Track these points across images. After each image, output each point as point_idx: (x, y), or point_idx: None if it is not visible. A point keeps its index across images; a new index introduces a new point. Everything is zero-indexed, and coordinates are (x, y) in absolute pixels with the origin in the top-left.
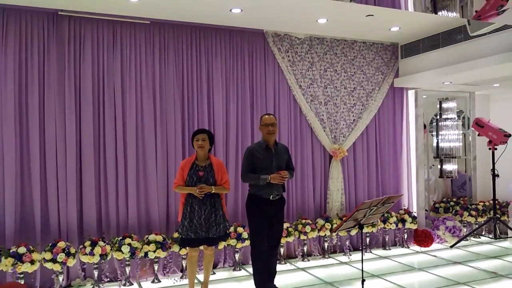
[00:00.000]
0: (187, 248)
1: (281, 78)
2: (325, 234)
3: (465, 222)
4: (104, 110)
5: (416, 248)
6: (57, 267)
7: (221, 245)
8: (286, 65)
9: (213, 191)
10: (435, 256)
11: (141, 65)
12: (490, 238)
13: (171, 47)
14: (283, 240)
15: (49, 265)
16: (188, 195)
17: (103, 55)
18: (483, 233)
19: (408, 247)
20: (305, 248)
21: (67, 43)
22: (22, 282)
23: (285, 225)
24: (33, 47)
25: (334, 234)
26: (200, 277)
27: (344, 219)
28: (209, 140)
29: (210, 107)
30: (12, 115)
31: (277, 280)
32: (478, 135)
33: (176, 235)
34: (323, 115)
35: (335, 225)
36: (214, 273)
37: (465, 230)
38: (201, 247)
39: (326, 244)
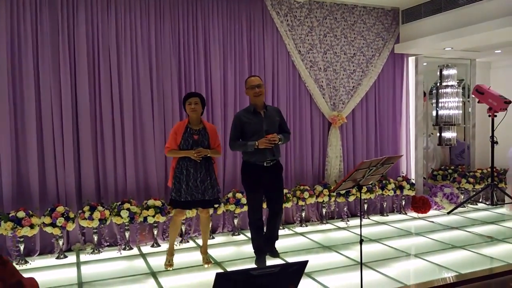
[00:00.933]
0: (174, 210)
1: (280, 43)
2: (323, 200)
3: (463, 189)
4: (100, 75)
5: (414, 214)
6: (56, 231)
7: (220, 210)
8: (284, 30)
9: (208, 154)
10: (432, 221)
11: (136, 30)
12: (487, 204)
13: (167, 11)
14: None
15: (48, 229)
16: (181, 159)
17: (97, 20)
18: (480, 200)
19: (406, 214)
20: (303, 214)
21: (60, 7)
22: (22, 246)
23: (284, 191)
24: (25, 11)
25: (332, 200)
26: (199, 241)
27: (343, 178)
28: (201, 103)
29: (208, 73)
30: (6, 81)
31: (276, 244)
32: (478, 102)
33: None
34: (322, 82)
35: (334, 195)
36: (213, 238)
37: (462, 197)
38: (196, 211)
39: (324, 210)
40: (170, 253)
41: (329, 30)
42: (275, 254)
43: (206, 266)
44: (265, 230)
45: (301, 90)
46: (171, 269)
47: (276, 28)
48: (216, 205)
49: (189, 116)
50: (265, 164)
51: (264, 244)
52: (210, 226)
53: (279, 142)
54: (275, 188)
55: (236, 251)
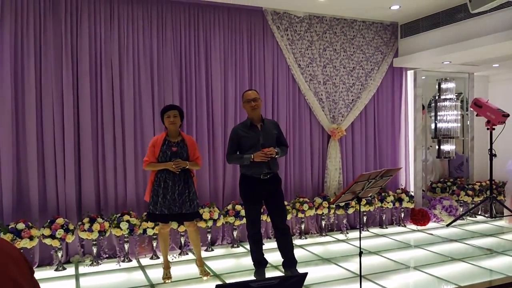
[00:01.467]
0: (159, 224)
1: (280, 57)
2: (323, 213)
3: (462, 201)
4: (102, 87)
5: (413, 227)
6: (56, 243)
7: (219, 222)
8: (285, 44)
9: (187, 166)
10: (431, 234)
11: (138, 42)
12: (486, 217)
13: (169, 24)
14: None
15: (48, 241)
16: (160, 172)
17: (100, 31)
18: (479, 213)
19: (405, 226)
20: (302, 226)
21: (63, 18)
22: None
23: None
24: (28, 22)
25: (331, 213)
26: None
27: (342, 191)
28: (179, 116)
29: (208, 86)
30: (9, 92)
31: (275, 256)
32: (477, 115)
33: None
34: (322, 95)
35: (333, 207)
36: (212, 250)
37: (461, 209)
38: (173, 226)
39: (323, 223)
40: (166, 266)
41: (328, 44)
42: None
43: (205, 278)
44: (281, 255)
45: (301, 103)
46: (169, 281)
47: (276, 42)
48: (197, 219)
49: (168, 129)
50: (261, 177)
51: (284, 270)
52: (209, 238)
53: (276, 156)
54: (274, 201)
55: (235, 263)
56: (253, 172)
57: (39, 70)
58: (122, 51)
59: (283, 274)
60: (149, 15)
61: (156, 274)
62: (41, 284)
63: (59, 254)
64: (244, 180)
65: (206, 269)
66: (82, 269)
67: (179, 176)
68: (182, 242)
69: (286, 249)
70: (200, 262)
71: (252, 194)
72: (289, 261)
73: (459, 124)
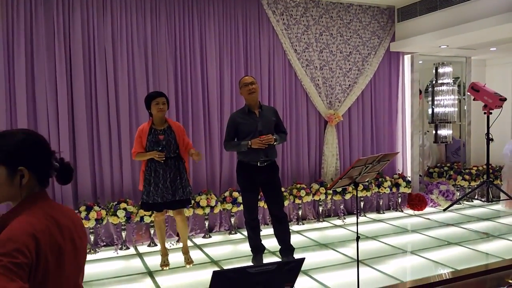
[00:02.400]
0: (154, 212)
1: (276, 42)
2: (320, 199)
3: (459, 186)
4: (96, 76)
5: (410, 211)
6: None
7: (217, 209)
8: (280, 29)
9: (194, 158)
10: (428, 219)
11: (132, 30)
12: (483, 201)
13: (163, 10)
14: None
15: None
16: (150, 161)
17: (93, 20)
18: (476, 197)
19: (402, 211)
20: (300, 212)
21: (55, 6)
22: None
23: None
24: (19, 11)
25: (328, 198)
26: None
27: (339, 176)
28: (167, 103)
29: (204, 72)
30: (2, 82)
31: (272, 242)
32: (474, 99)
33: None
34: (318, 80)
35: (330, 193)
36: (210, 237)
37: (458, 194)
38: (170, 213)
39: (320, 208)
40: (164, 253)
41: (325, 28)
42: None
43: (187, 266)
44: (278, 242)
45: (297, 88)
46: (167, 268)
47: (272, 27)
48: (188, 206)
49: (154, 116)
50: (258, 164)
51: (281, 257)
52: (207, 225)
53: (274, 143)
54: (271, 189)
55: (233, 249)
56: (250, 159)
57: (30, 60)
58: (115, 40)
59: (281, 260)
60: (143, 2)
61: (154, 261)
62: None
63: None
64: (241, 167)
65: (190, 257)
66: None
67: (170, 164)
68: None
69: (283, 237)
70: (185, 250)
71: (249, 181)
72: (286, 249)
73: (456, 109)
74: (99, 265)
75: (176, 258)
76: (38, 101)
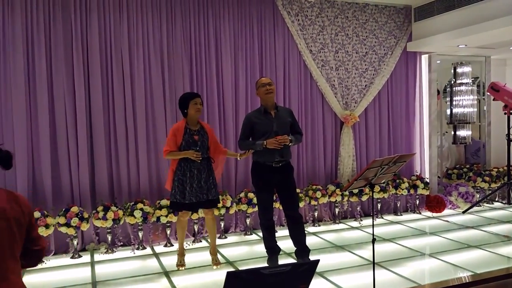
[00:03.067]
0: (178, 213)
1: (291, 42)
2: (336, 200)
3: (478, 188)
4: (113, 77)
5: (428, 213)
6: (71, 231)
7: (232, 210)
8: (296, 29)
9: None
10: (447, 221)
11: (148, 32)
12: (504, 203)
13: (178, 13)
14: None
15: (63, 229)
16: (183, 161)
17: (109, 22)
18: (496, 199)
19: (420, 213)
20: (315, 214)
21: (73, 11)
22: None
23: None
24: (38, 17)
25: (345, 200)
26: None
27: (354, 177)
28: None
29: (219, 73)
30: (22, 84)
31: (288, 243)
32: (493, 99)
33: None
34: (334, 81)
35: (347, 194)
36: (225, 237)
37: (478, 196)
38: (196, 213)
39: (337, 210)
40: (181, 253)
41: (340, 29)
42: None
43: (215, 267)
44: (293, 243)
45: (313, 89)
46: (183, 269)
47: (287, 27)
48: (218, 205)
49: (189, 116)
50: (273, 165)
51: (297, 259)
52: (222, 226)
53: (290, 144)
54: (285, 189)
55: (248, 250)
56: (265, 159)
57: (50, 62)
58: (132, 42)
59: (295, 262)
60: (158, 5)
61: (170, 261)
62: (57, 272)
63: (75, 242)
64: (256, 167)
65: (218, 258)
66: (97, 256)
67: (203, 164)
68: (196, 229)
69: (299, 238)
70: (214, 251)
71: (264, 181)
72: (302, 250)
73: (476, 109)
74: (116, 264)
75: (192, 258)
76: (56, 102)
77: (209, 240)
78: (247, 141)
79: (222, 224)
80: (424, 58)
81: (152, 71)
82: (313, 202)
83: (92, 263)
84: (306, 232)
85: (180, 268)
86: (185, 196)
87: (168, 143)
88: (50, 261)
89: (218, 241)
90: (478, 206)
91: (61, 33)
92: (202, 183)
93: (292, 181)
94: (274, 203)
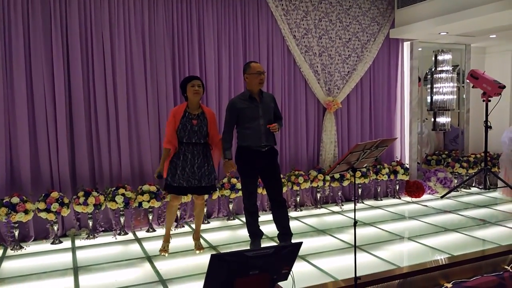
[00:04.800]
0: (170, 196)
1: (275, 27)
2: (318, 185)
3: (456, 173)
4: (93, 60)
5: (408, 198)
6: (51, 217)
7: (215, 195)
8: (279, 14)
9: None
10: (426, 205)
11: (129, 15)
12: (480, 188)
13: None
14: None
15: (43, 215)
16: (180, 144)
17: (90, 5)
18: (473, 184)
19: (400, 198)
20: (297, 199)
21: None
22: (17, 232)
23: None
24: None
25: (326, 185)
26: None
27: (337, 161)
28: (202, 87)
29: (202, 58)
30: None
31: (271, 227)
32: (473, 87)
33: None
34: (317, 67)
35: (328, 180)
36: (208, 222)
37: (456, 181)
38: (191, 197)
39: (318, 195)
40: (166, 239)
41: (324, 14)
42: None
43: (197, 252)
44: (276, 227)
45: (296, 75)
46: (166, 255)
47: (271, 12)
48: (212, 192)
49: (189, 100)
50: (259, 149)
51: (279, 242)
52: (205, 211)
53: (277, 131)
54: (270, 174)
55: (231, 235)
56: (250, 143)
57: (28, 44)
58: (113, 27)
59: (278, 244)
60: None
61: (153, 246)
62: (38, 258)
63: (55, 228)
64: (241, 152)
65: (201, 243)
66: (78, 242)
67: (199, 149)
68: (178, 215)
69: (282, 222)
70: (197, 236)
71: (249, 166)
72: (285, 233)
73: (455, 96)
74: (97, 250)
75: (174, 243)
76: (35, 85)
77: (193, 226)
78: (227, 139)
79: (205, 209)
80: (406, 45)
81: (134, 55)
82: (295, 187)
83: (73, 249)
84: (289, 217)
85: (163, 254)
86: (175, 179)
87: (168, 126)
88: (30, 247)
89: (202, 226)
90: (455, 191)
91: (39, 14)
92: (195, 169)
93: (276, 165)
94: (257, 188)
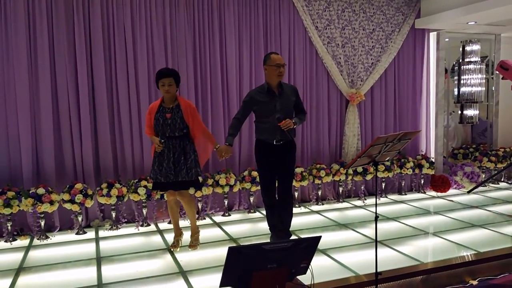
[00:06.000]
0: (165, 193)
1: (297, 19)
2: (340, 179)
3: (484, 168)
4: (115, 53)
5: (433, 193)
6: (75, 208)
7: (236, 188)
8: (301, 5)
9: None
10: (452, 200)
11: (151, 8)
12: (509, 183)
13: None
14: (297, 184)
15: (68, 206)
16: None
17: (112, 2)
18: (502, 179)
19: (424, 192)
20: (319, 193)
21: None
22: (43, 222)
23: (299, 169)
24: None
25: (349, 179)
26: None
27: (358, 154)
28: (175, 83)
29: (223, 50)
30: (25, 61)
31: (291, 221)
32: (502, 78)
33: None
34: (340, 58)
35: (351, 173)
36: (229, 215)
37: (483, 176)
38: (200, 191)
39: (340, 189)
40: (176, 234)
41: (347, 5)
42: None
43: (190, 249)
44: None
45: (318, 67)
46: (177, 250)
47: (292, 3)
48: (195, 188)
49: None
50: (274, 143)
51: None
52: (226, 203)
53: (294, 126)
54: (282, 169)
55: (251, 228)
56: (265, 137)
57: (51, 41)
58: (135, 18)
59: (297, 238)
60: None
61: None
62: (62, 247)
63: (79, 219)
64: (257, 145)
65: (195, 241)
66: (102, 233)
67: (175, 143)
68: (200, 207)
69: (284, 219)
70: (192, 232)
71: (265, 160)
72: (284, 232)
73: (484, 88)
74: (120, 241)
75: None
76: (59, 80)
77: (214, 218)
78: (234, 127)
79: (226, 202)
80: (432, 36)
81: (155, 49)
82: (317, 181)
83: (97, 239)
84: (309, 210)
85: (172, 249)
86: (154, 174)
87: (146, 123)
88: (55, 237)
89: (222, 219)
90: (483, 186)
91: (63, 14)
92: (171, 163)
93: (290, 161)
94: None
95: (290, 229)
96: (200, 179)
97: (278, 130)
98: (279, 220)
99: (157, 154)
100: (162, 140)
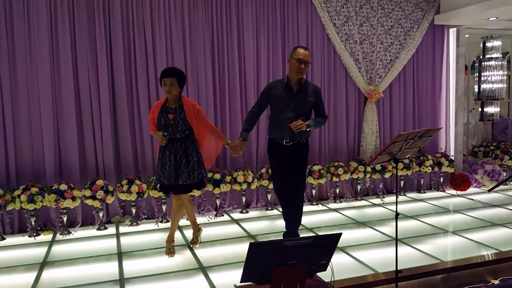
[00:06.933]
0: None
1: (314, 15)
2: (358, 177)
3: (505, 166)
4: (135, 50)
5: (452, 191)
6: (97, 204)
7: (254, 185)
8: (319, 2)
9: (228, 145)
10: (472, 199)
11: (170, 10)
12: None
13: None
14: (314, 182)
15: (89, 202)
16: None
17: (132, 4)
18: None
19: (444, 191)
20: (337, 190)
21: None
22: (65, 218)
23: (317, 167)
24: None
25: (367, 177)
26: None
27: (379, 151)
28: (178, 83)
29: (240, 46)
30: (48, 59)
31: (309, 218)
32: None
33: (210, 174)
34: (358, 55)
35: (369, 171)
36: (247, 212)
37: (504, 174)
38: (218, 188)
39: (359, 187)
40: (169, 240)
41: (365, 1)
42: None
43: (167, 256)
44: (285, 225)
45: (336, 64)
46: (172, 256)
47: (310, 0)
48: (197, 190)
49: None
50: (284, 143)
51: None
52: (244, 200)
53: (307, 129)
54: (292, 170)
55: (269, 225)
56: (276, 136)
57: (73, 37)
58: (154, 16)
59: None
60: None
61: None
62: (84, 243)
63: (100, 215)
64: (269, 144)
65: (197, 238)
66: (122, 228)
67: (176, 145)
68: (218, 204)
69: (292, 221)
70: (170, 239)
71: (276, 159)
72: (291, 234)
73: (505, 85)
74: (140, 236)
75: (214, 231)
76: (80, 78)
77: (232, 215)
78: (249, 121)
79: (244, 199)
80: (452, 32)
81: (174, 47)
82: (334, 179)
83: (118, 235)
84: (327, 208)
85: (168, 256)
86: (159, 177)
87: (149, 120)
88: (77, 232)
89: (240, 216)
90: (504, 185)
91: (85, 12)
92: (172, 166)
93: (301, 163)
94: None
95: (310, 226)
96: (209, 175)
97: (287, 130)
98: (287, 224)
99: (161, 156)
100: (166, 133)
